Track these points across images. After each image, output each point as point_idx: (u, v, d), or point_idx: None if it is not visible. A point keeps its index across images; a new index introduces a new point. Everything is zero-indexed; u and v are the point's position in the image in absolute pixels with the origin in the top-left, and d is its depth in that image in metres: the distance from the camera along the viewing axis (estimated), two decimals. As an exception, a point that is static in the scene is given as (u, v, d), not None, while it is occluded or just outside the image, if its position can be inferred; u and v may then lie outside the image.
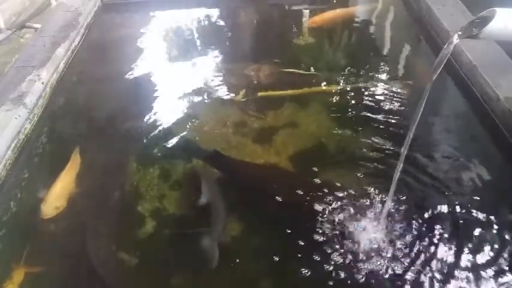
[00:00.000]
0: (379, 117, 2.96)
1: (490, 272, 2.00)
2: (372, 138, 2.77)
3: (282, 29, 4.34)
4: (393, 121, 2.92)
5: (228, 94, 3.28)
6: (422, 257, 2.06)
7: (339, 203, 2.32)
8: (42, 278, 2.13)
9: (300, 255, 2.09)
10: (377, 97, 3.16)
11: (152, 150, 2.81)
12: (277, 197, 2.38)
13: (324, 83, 3.32)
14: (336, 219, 2.23)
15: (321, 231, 2.18)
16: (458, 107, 3.09)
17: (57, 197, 2.45)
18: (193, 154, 2.76)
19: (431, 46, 3.70)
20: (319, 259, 2.06)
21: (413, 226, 2.20)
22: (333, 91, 3.24)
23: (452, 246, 2.10)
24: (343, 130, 2.86)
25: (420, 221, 2.23)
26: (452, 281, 1.97)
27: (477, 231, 2.18)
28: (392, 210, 2.26)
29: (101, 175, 2.68)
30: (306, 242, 2.14)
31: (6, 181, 2.57)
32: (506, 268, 2.01)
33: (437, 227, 2.20)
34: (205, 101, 3.23)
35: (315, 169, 2.56)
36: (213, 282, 2.07)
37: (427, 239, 2.14)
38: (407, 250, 2.09)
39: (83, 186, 2.56)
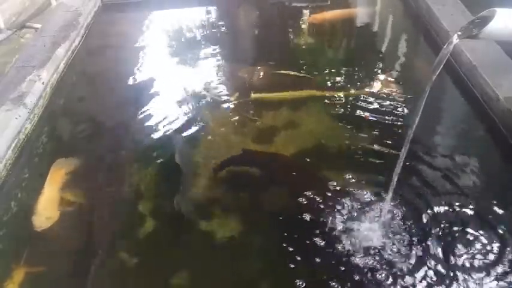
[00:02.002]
0: (378, 118, 2.96)
1: (489, 272, 2.00)
2: (372, 140, 2.78)
3: (281, 29, 4.34)
4: (392, 122, 2.92)
5: (222, 96, 3.28)
6: (420, 256, 2.06)
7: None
8: (42, 277, 2.13)
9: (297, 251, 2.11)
10: (374, 98, 3.15)
11: (148, 151, 2.82)
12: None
13: (317, 86, 3.26)
14: (335, 217, 2.25)
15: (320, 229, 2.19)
16: (458, 107, 3.09)
17: (46, 207, 2.39)
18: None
19: (431, 46, 3.70)
20: (317, 256, 2.07)
21: (412, 226, 2.21)
22: (326, 94, 3.19)
23: (452, 247, 2.10)
24: (339, 132, 2.86)
25: (419, 221, 2.23)
26: (453, 281, 1.97)
27: (477, 231, 2.18)
28: (392, 210, 2.27)
29: (99, 176, 2.68)
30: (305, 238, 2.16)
31: (7, 181, 2.58)
32: (505, 268, 2.01)
33: (437, 227, 2.20)
34: (199, 101, 3.23)
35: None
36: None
37: (425, 239, 2.14)
38: (404, 250, 2.09)
39: (74, 193, 2.53)
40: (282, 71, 3.45)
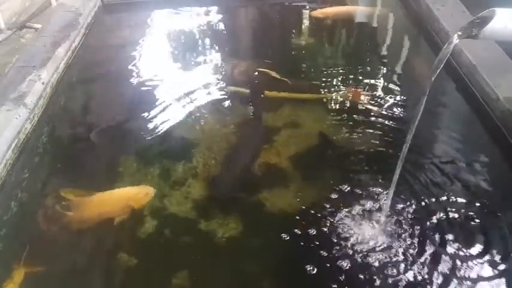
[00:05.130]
0: (377, 118, 2.96)
1: (489, 272, 2.01)
2: (372, 141, 2.78)
3: (281, 28, 4.35)
4: (392, 123, 2.92)
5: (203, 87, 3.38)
6: (419, 257, 2.07)
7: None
8: (42, 277, 2.13)
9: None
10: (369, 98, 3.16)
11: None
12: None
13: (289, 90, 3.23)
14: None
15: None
16: (458, 107, 3.09)
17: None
18: None
19: (431, 46, 3.70)
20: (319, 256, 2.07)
21: (412, 226, 2.21)
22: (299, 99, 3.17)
23: (451, 247, 2.11)
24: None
25: (419, 221, 2.23)
26: (452, 281, 1.98)
27: (476, 231, 2.18)
28: (392, 209, 2.27)
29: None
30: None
31: (7, 181, 2.57)
32: (504, 267, 2.02)
33: (436, 227, 2.20)
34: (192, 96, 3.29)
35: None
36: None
37: (424, 239, 2.14)
38: (403, 249, 2.10)
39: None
40: (264, 70, 3.47)
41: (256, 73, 3.48)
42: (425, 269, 2.01)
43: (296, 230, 2.20)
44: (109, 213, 2.35)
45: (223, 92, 3.31)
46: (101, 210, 2.39)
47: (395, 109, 3.03)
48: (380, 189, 2.39)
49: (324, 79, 3.40)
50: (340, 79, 3.41)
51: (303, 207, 2.33)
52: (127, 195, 2.44)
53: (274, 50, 3.91)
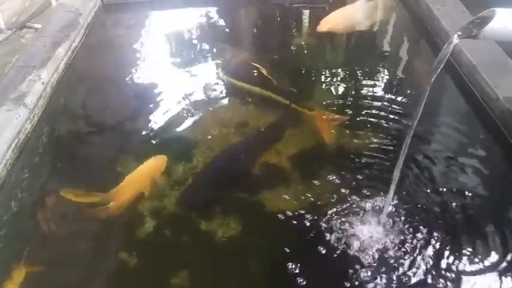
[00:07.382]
0: (377, 119, 2.96)
1: (489, 272, 2.01)
2: (371, 139, 2.78)
3: (280, 28, 4.36)
4: (392, 122, 2.92)
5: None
6: (418, 256, 2.07)
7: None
8: (43, 277, 2.13)
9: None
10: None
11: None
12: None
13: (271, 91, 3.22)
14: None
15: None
16: (458, 107, 3.09)
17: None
18: None
19: (431, 46, 3.70)
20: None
21: (411, 226, 2.21)
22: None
23: (451, 247, 2.11)
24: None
25: (418, 221, 2.24)
26: (451, 280, 1.98)
27: (476, 231, 2.18)
28: (392, 209, 2.27)
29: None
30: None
31: (6, 181, 2.57)
32: (504, 267, 2.02)
33: (436, 227, 2.20)
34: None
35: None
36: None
37: (425, 239, 2.15)
38: (402, 249, 2.10)
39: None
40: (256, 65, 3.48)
41: (251, 66, 3.48)
42: (424, 268, 2.02)
43: (296, 230, 2.21)
44: (140, 191, 2.50)
45: (224, 91, 3.31)
46: (135, 190, 2.50)
47: (395, 108, 3.03)
48: (380, 189, 2.39)
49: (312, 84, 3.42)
50: (331, 84, 3.39)
51: (303, 207, 2.32)
52: (148, 169, 2.63)
53: (276, 49, 3.91)
